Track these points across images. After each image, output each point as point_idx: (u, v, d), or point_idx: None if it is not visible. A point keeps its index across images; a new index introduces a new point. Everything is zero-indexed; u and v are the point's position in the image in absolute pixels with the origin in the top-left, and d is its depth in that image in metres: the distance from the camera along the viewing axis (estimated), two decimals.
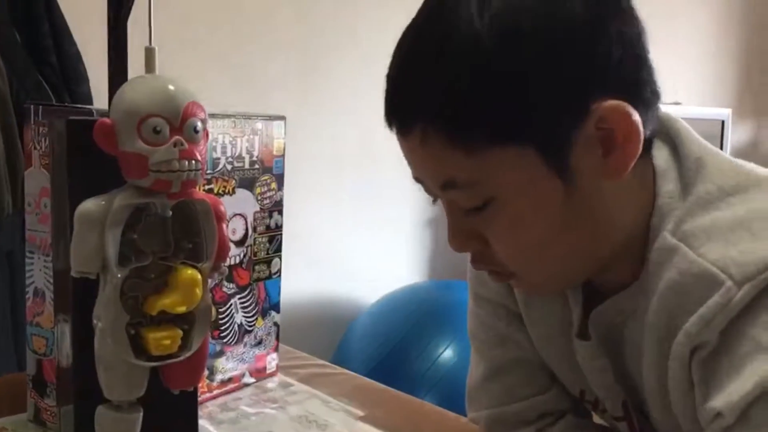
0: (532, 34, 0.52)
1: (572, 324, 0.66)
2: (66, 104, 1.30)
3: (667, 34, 2.78)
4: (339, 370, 1.10)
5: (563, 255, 0.59)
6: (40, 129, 0.75)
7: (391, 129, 0.58)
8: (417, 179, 0.60)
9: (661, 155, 0.60)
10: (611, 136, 0.54)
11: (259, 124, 0.92)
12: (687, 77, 2.88)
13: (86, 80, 1.46)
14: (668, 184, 0.58)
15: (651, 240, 0.57)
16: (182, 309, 0.58)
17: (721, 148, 2.75)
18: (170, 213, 0.57)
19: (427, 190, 0.61)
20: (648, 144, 0.58)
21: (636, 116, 0.54)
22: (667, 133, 0.61)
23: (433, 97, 0.54)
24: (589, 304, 0.64)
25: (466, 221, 0.58)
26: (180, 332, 0.58)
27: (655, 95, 0.57)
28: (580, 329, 0.65)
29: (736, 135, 2.89)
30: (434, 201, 0.62)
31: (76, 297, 0.59)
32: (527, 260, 0.59)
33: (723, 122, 2.69)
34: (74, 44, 1.45)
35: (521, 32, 0.52)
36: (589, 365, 0.66)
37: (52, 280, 0.77)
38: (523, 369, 0.74)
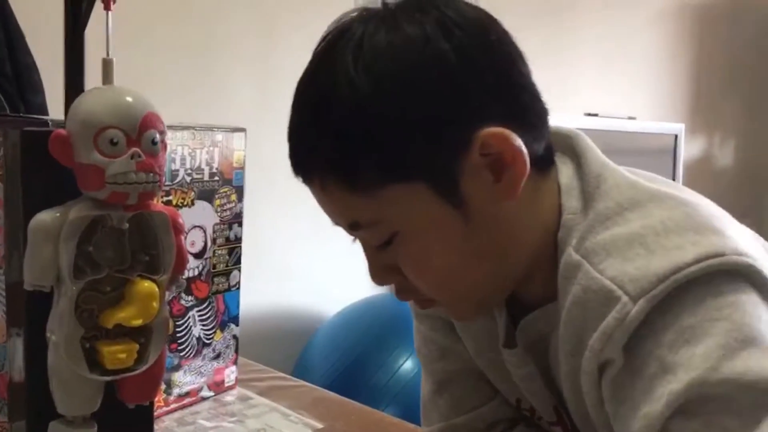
0: (402, 77, 0.55)
1: (498, 336, 0.68)
2: (21, 114, 1.28)
3: (623, 52, 2.84)
4: (299, 382, 1.09)
5: (475, 280, 0.62)
6: None
7: (297, 177, 0.63)
8: (335, 222, 0.64)
9: (566, 172, 0.62)
10: (498, 160, 0.57)
11: (219, 136, 0.92)
12: (642, 93, 2.95)
13: (41, 91, 1.44)
14: (571, 201, 0.61)
15: (559, 256, 0.60)
16: (138, 322, 0.57)
17: (675, 162, 2.79)
18: (127, 225, 0.57)
19: (346, 230, 0.64)
20: (546, 162, 0.62)
21: (516, 140, 0.57)
22: (572, 150, 0.63)
23: (322, 147, 0.58)
24: (516, 313, 0.66)
25: (380, 257, 0.62)
26: (136, 345, 0.58)
27: (540, 116, 0.60)
28: (507, 339, 0.67)
29: (688, 149, 2.96)
30: (354, 240, 0.66)
31: (30, 310, 0.58)
32: (441, 289, 0.62)
33: (676, 136, 2.76)
34: (30, 54, 1.42)
35: (392, 76, 0.55)
36: (517, 373, 0.68)
37: (4, 293, 0.75)
38: (466, 380, 0.76)
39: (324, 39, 0.60)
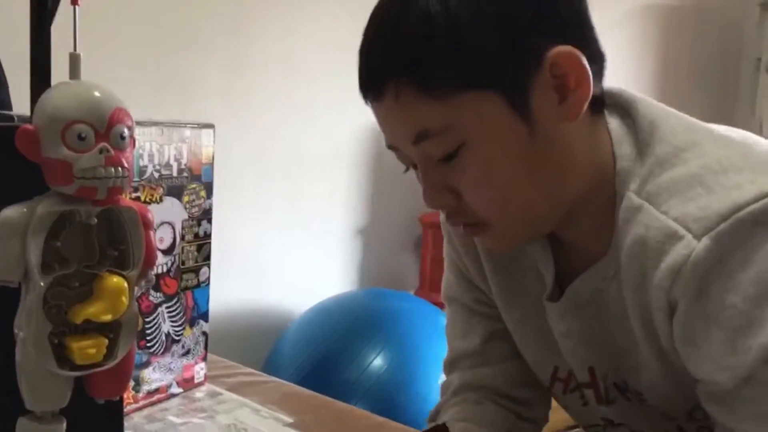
0: None
1: (542, 292, 0.70)
2: None
3: None
4: (268, 378, 1.09)
5: (531, 198, 0.63)
6: None
7: (367, 100, 0.64)
8: (391, 147, 0.65)
9: (615, 123, 0.64)
10: (564, 82, 0.60)
11: (188, 132, 0.92)
12: None
13: (5, 86, 1.42)
14: (625, 148, 0.63)
15: (618, 202, 0.61)
16: (108, 317, 0.57)
17: None
18: (95, 220, 0.57)
19: (401, 157, 0.66)
20: (600, 105, 0.64)
21: (584, 61, 0.60)
22: (617, 103, 0.66)
23: (402, 55, 0.60)
24: (562, 274, 0.69)
25: (439, 174, 0.63)
26: (105, 340, 0.58)
27: (601, 55, 0.64)
28: (551, 293, 0.69)
29: None
30: (406, 170, 0.67)
31: None
32: (498, 205, 0.63)
33: None
34: None
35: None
36: (558, 327, 0.70)
37: None
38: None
39: None
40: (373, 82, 0.63)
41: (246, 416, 0.92)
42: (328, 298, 2.04)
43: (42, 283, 0.55)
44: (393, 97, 0.61)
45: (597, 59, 0.63)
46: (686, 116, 0.64)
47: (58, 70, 0.60)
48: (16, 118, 0.69)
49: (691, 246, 0.54)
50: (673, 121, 0.63)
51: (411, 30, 0.59)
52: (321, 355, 1.81)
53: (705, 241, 0.54)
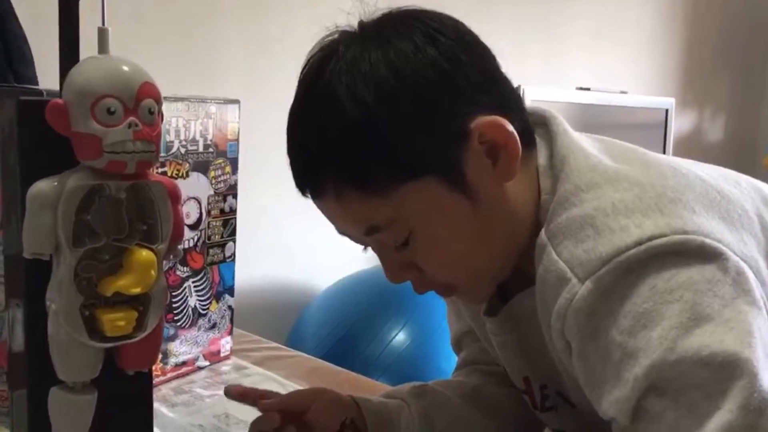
0: (402, 84, 0.60)
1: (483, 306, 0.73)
2: (14, 85, 1.27)
3: (614, 26, 2.84)
4: (293, 352, 1.11)
5: (488, 260, 0.65)
6: None
7: (306, 196, 0.66)
8: (340, 233, 0.67)
9: (543, 153, 0.66)
10: (493, 146, 0.62)
11: (213, 108, 0.92)
12: (633, 67, 2.95)
13: (32, 63, 1.43)
14: (546, 182, 0.65)
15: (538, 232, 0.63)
16: (137, 290, 0.58)
17: (665, 136, 2.82)
18: (124, 194, 0.57)
19: (355, 240, 0.67)
20: (528, 141, 0.65)
21: (507, 124, 0.62)
22: (547, 131, 0.67)
23: (333, 159, 0.62)
24: (512, 290, 0.70)
25: (397, 257, 0.65)
26: (135, 313, 0.58)
27: (517, 101, 0.66)
28: (489, 308, 0.72)
29: (679, 123, 2.97)
30: (364, 249, 0.69)
31: (29, 279, 0.58)
32: (458, 273, 0.65)
33: (667, 111, 2.77)
34: (19, 26, 1.41)
35: (392, 84, 0.60)
36: (495, 339, 0.73)
37: (2, 265, 0.76)
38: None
39: (309, 64, 0.65)
40: (309, 182, 0.64)
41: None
42: (351, 273, 2.04)
43: (73, 256, 0.55)
44: (333, 197, 0.62)
45: (514, 105, 0.65)
46: (598, 154, 0.65)
47: (85, 47, 0.60)
48: (45, 93, 0.70)
49: (574, 290, 0.56)
50: (581, 159, 0.63)
51: (336, 136, 0.61)
52: (344, 331, 1.83)
53: (588, 284, 0.55)
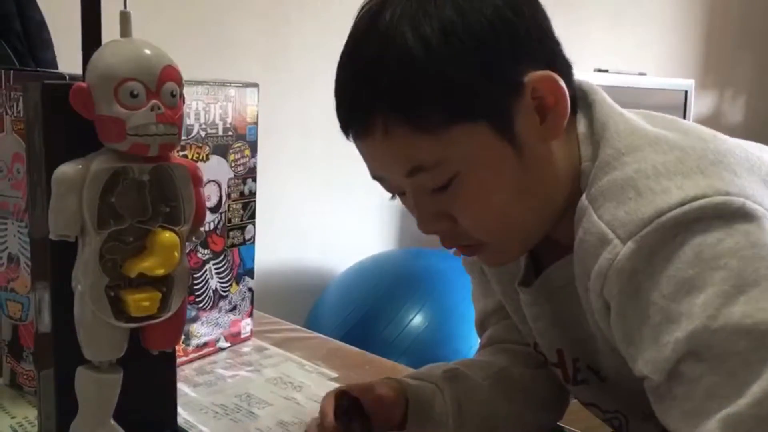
0: (467, 27, 0.60)
1: (519, 273, 0.73)
2: (38, 69, 1.28)
3: (634, 7, 2.80)
4: (312, 334, 1.12)
5: (524, 215, 0.65)
6: (12, 94, 0.75)
7: (349, 136, 0.65)
8: (376, 177, 0.67)
9: (582, 121, 0.66)
10: (543, 103, 0.62)
11: (232, 91, 0.92)
12: (652, 49, 2.92)
13: (51, 47, 1.44)
14: (586, 149, 0.65)
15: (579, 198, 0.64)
16: (161, 271, 0.59)
17: (684, 117, 2.80)
18: (148, 177, 0.58)
19: (388, 186, 0.67)
20: (572, 105, 0.65)
21: (561, 82, 0.62)
22: (586, 101, 0.67)
23: (388, 93, 0.60)
24: (546, 259, 0.70)
25: (432, 203, 0.64)
26: (159, 294, 0.59)
27: (567, 64, 0.66)
28: (525, 278, 0.72)
29: (698, 105, 2.94)
30: (392, 197, 0.69)
31: (55, 261, 0.59)
32: (493, 227, 0.65)
33: (686, 93, 2.74)
34: (39, 11, 1.42)
35: (457, 26, 0.60)
36: (528, 311, 0.73)
37: (27, 246, 0.77)
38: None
39: (369, 5, 0.64)
40: (358, 118, 0.63)
41: (291, 370, 0.94)
42: (369, 256, 2.05)
43: (98, 238, 0.56)
44: (381, 133, 0.61)
45: (565, 69, 0.65)
46: (637, 119, 0.65)
47: (108, 29, 0.61)
48: (68, 77, 0.71)
49: (616, 250, 0.56)
50: (621, 124, 0.64)
51: (395, 71, 0.60)
52: (361, 313, 1.84)
53: (630, 245, 0.55)
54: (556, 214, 0.66)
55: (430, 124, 0.60)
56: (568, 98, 0.62)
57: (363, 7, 0.65)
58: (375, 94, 0.61)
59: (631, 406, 0.70)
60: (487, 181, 0.63)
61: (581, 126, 0.66)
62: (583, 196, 0.62)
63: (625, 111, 0.67)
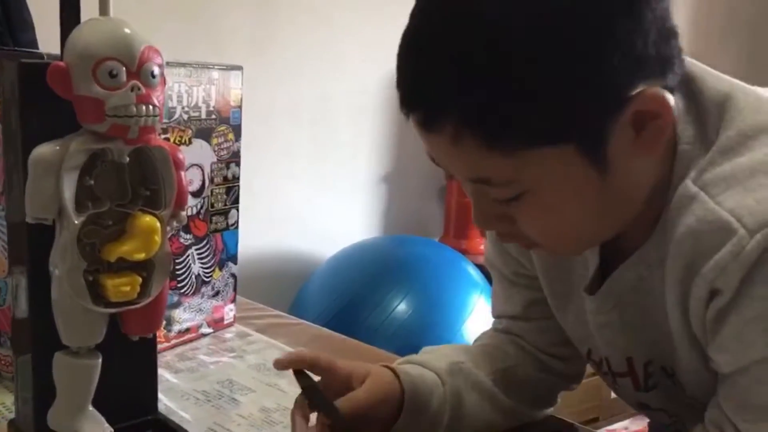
0: (565, 26, 0.50)
1: (582, 281, 0.67)
2: (15, 48, 1.25)
3: None
4: (296, 320, 1.11)
5: (595, 230, 0.61)
6: None
7: (408, 119, 0.56)
8: (437, 163, 0.59)
9: (678, 101, 0.58)
10: (643, 115, 0.54)
11: (216, 74, 0.91)
12: None
13: (31, 27, 1.41)
14: (686, 129, 0.58)
15: (673, 186, 0.58)
16: (141, 256, 0.58)
17: None
18: (127, 159, 0.57)
19: (447, 170, 0.60)
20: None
21: (670, 98, 0.54)
22: (680, 77, 0.59)
23: (468, 98, 0.52)
24: (606, 260, 0.65)
25: (495, 206, 0.58)
26: (139, 278, 0.58)
27: (681, 61, 0.57)
28: (590, 284, 0.67)
29: None
30: (448, 178, 0.63)
31: (32, 244, 0.58)
32: (559, 241, 0.61)
33: None
34: None
35: (554, 25, 0.50)
36: (595, 320, 0.68)
37: (3, 230, 0.75)
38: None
39: None
40: (426, 113, 0.55)
41: (274, 357, 0.93)
42: (354, 243, 2.04)
43: (76, 221, 0.55)
44: (449, 139, 0.54)
45: (679, 68, 0.56)
46: (757, 91, 0.59)
47: (87, 8, 0.59)
48: (45, 57, 0.69)
49: (742, 243, 0.51)
50: (742, 102, 0.57)
51: (481, 72, 0.51)
52: (346, 300, 1.83)
53: (758, 237, 0.51)
54: (631, 220, 0.60)
55: (509, 142, 0.53)
56: (672, 114, 0.54)
57: None
58: (448, 100, 0.53)
59: (695, 409, 0.65)
60: (561, 202, 0.57)
61: (677, 101, 0.57)
62: (688, 182, 0.56)
63: (734, 81, 0.59)
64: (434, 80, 0.54)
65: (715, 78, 0.60)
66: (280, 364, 0.69)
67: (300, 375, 0.67)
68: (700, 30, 3.14)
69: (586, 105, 0.52)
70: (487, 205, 0.59)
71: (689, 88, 0.59)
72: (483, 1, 0.51)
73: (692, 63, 0.60)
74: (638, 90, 0.53)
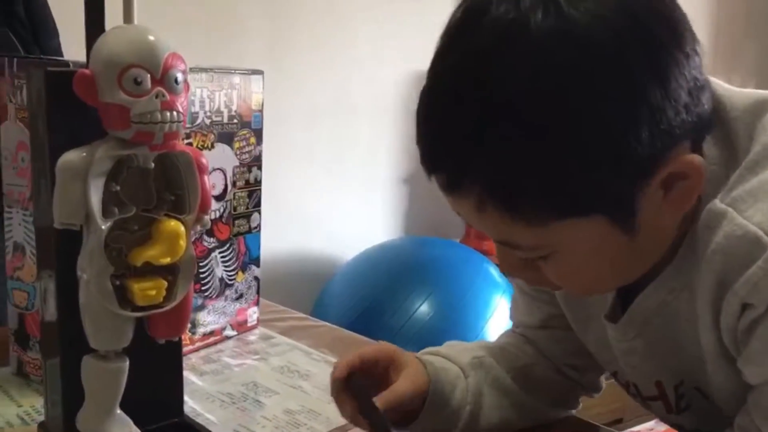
0: (587, 92, 0.48)
1: (606, 307, 0.67)
2: (42, 56, 1.27)
3: None
4: (319, 322, 1.11)
5: (622, 280, 0.61)
6: (16, 82, 0.74)
7: (430, 177, 0.55)
8: (459, 214, 0.58)
9: None
10: (673, 178, 0.53)
11: (237, 79, 0.92)
12: None
13: (56, 34, 1.43)
14: (712, 150, 0.56)
15: (701, 207, 0.56)
16: (166, 260, 0.58)
17: None
18: (152, 165, 0.57)
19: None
20: None
21: (700, 160, 0.53)
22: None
23: (490, 168, 0.50)
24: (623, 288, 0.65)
25: (522, 258, 0.58)
26: (165, 282, 0.59)
27: (711, 110, 0.55)
28: (611, 312, 0.66)
29: None
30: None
31: (60, 250, 0.59)
32: (586, 287, 0.62)
33: None
34: None
35: (576, 90, 0.48)
36: (618, 346, 0.67)
37: (32, 235, 0.77)
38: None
39: (461, 18, 0.52)
40: (449, 176, 0.53)
41: (298, 359, 0.94)
42: (375, 245, 2.05)
43: (103, 227, 0.56)
44: (473, 204, 0.53)
45: (710, 121, 0.54)
46: None
47: (111, 16, 0.60)
48: (71, 64, 0.70)
49: None
50: (767, 117, 0.56)
51: (505, 142, 0.49)
52: (367, 302, 1.83)
53: None
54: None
55: (534, 216, 0.52)
56: (703, 173, 0.53)
57: (455, 17, 0.52)
58: (472, 165, 0.51)
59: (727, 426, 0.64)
60: (588, 261, 0.56)
61: None
62: (716, 202, 0.55)
63: (759, 95, 0.58)
64: (455, 148, 0.52)
65: (738, 96, 0.58)
66: (340, 372, 0.67)
67: (351, 380, 0.67)
68: (721, 31, 3.11)
69: (618, 179, 0.51)
70: (513, 259, 0.59)
71: (714, 109, 0.58)
72: (508, 65, 0.49)
73: (715, 83, 0.59)
74: (669, 156, 0.51)
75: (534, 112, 0.49)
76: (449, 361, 0.74)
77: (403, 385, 0.68)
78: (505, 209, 0.52)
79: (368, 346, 0.70)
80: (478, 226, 0.57)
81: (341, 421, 0.77)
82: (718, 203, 0.55)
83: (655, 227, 0.55)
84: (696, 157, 0.53)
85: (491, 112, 0.49)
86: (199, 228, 0.63)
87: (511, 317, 0.82)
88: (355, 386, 0.66)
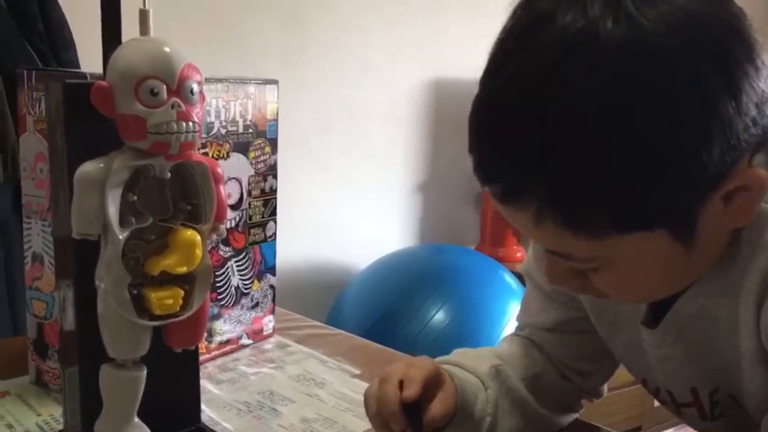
0: (656, 105, 0.47)
1: (640, 312, 0.66)
2: (59, 69, 1.29)
3: None
4: (334, 331, 1.11)
5: (675, 285, 0.60)
6: (34, 94, 0.75)
7: (483, 186, 0.54)
8: (513, 227, 0.57)
9: None
10: (734, 190, 0.51)
11: (252, 88, 0.92)
12: None
13: (73, 47, 1.45)
14: (758, 155, 0.54)
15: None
16: (183, 269, 0.59)
17: None
18: (169, 175, 0.58)
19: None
20: None
21: (764, 174, 0.51)
22: None
23: (556, 183, 0.49)
24: None
25: (570, 267, 0.57)
26: (181, 291, 0.59)
27: None
28: (646, 317, 0.65)
29: None
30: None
31: (78, 260, 0.59)
32: (634, 296, 0.61)
33: None
34: (59, 9, 1.43)
35: (644, 104, 0.47)
36: (655, 353, 0.66)
37: (50, 245, 0.77)
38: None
39: (521, 24, 0.50)
40: (505, 190, 0.52)
41: (314, 367, 0.94)
42: (390, 253, 2.05)
43: (120, 236, 0.56)
44: (531, 217, 0.51)
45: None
46: None
47: (127, 28, 0.61)
48: (89, 76, 0.71)
49: None
50: None
51: (570, 153, 0.47)
52: (383, 310, 1.83)
53: None
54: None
55: (594, 230, 0.51)
56: (766, 185, 0.51)
57: (512, 18, 0.50)
58: (532, 177, 0.49)
59: None
60: (642, 273, 0.55)
61: None
62: (763, 205, 0.54)
63: None
64: (516, 162, 0.50)
65: None
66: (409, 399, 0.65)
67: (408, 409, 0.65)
68: None
69: (684, 193, 0.50)
70: (562, 268, 0.57)
71: None
72: (576, 78, 0.47)
73: None
74: (735, 170, 0.50)
75: (603, 128, 0.47)
76: (467, 371, 0.73)
77: (438, 408, 0.66)
78: (565, 224, 0.50)
79: (414, 367, 0.66)
80: (530, 236, 0.56)
81: (357, 429, 0.78)
82: (764, 206, 0.54)
83: (712, 238, 0.54)
84: (761, 171, 0.52)
85: (557, 128, 0.48)
86: (215, 237, 0.63)
87: (518, 318, 0.82)
88: (409, 408, 0.65)
